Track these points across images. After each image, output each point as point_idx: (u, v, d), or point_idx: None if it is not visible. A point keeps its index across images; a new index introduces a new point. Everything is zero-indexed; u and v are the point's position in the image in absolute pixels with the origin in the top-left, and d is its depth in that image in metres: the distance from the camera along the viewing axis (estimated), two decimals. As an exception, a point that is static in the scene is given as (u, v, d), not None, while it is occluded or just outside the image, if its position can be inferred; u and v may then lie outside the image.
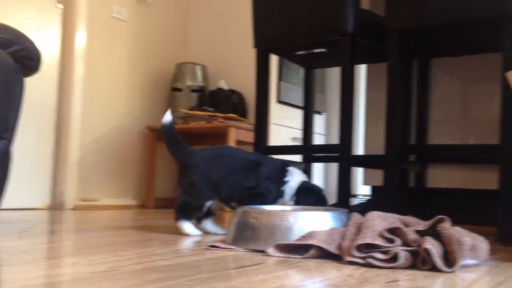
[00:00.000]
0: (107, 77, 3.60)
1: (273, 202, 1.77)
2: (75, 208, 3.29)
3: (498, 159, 1.86)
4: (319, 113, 4.61)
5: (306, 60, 2.59)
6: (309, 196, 1.77)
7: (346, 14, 2.12)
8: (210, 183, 1.75)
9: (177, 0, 4.14)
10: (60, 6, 3.34)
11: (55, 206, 3.27)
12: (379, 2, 2.30)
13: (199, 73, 3.84)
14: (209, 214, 1.82)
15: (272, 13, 2.30)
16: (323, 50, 2.34)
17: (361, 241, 1.21)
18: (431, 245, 1.17)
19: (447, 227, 1.21)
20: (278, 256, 1.30)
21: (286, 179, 1.78)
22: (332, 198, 2.41)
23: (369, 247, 1.21)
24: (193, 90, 3.80)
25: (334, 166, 2.20)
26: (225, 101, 3.68)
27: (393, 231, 1.26)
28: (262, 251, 1.35)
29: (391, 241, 1.22)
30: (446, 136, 2.52)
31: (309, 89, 2.72)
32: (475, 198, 2.45)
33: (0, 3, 3.02)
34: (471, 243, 1.23)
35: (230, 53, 4.00)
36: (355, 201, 3.96)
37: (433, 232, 1.24)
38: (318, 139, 4.51)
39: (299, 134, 3.61)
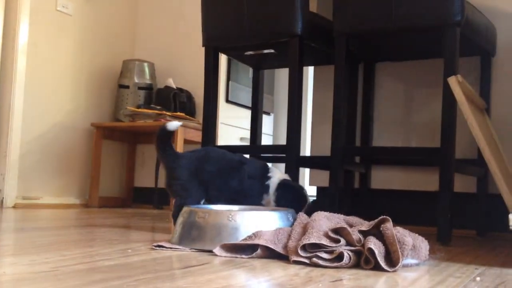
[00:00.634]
0: (51, 72, 3.50)
1: (259, 197, 1.80)
2: (15, 207, 3.19)
3: (438, 161, 1.93)
4: (267, 113, 4.64)
5: (255, 60, 2.60)
6: (287, 192, 1.80)
7: (294, 16, 2.14)
8: (200, 185, 1.78)
9: (126, -4, 4.08)
10: (3, -3, 3.23)
11: (-6, 204, 3.16)
12: (328, 6, 2.34)
13: (146, 70, 3.79)
14: None
15: (222, 13, 2.30)
16: (271, 51, 2.36)
17: (306, 241, 1.23)
18: (374, 245, 1.20)
19: (390, 227, 1.24)
20: (225, 256, 1.30)
21: (269, 175, 1.82)
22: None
23: (315, 247, 1.23)
24: (140, 88, 3.74)
25: (281, 167, 2.22)
26: (173, 100, 3.65)
27: (338, 231, 1.28)
28: (209, 251, 1.35)
29: (336, 241, 1.24)
30: (390, 139, 2.58)
31: (258, 89, 2.73)
32: (416, 200, 2.52)
33: None
34: (412, 243, 1.27)
35: (179, 51, 3.96)
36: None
37: (376, 232, 1.27)
38: (265, 140, 4.54)
39: (247, 134, 3.62)
